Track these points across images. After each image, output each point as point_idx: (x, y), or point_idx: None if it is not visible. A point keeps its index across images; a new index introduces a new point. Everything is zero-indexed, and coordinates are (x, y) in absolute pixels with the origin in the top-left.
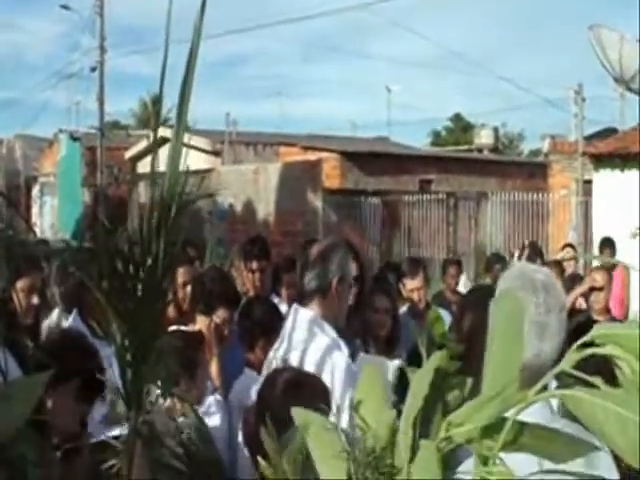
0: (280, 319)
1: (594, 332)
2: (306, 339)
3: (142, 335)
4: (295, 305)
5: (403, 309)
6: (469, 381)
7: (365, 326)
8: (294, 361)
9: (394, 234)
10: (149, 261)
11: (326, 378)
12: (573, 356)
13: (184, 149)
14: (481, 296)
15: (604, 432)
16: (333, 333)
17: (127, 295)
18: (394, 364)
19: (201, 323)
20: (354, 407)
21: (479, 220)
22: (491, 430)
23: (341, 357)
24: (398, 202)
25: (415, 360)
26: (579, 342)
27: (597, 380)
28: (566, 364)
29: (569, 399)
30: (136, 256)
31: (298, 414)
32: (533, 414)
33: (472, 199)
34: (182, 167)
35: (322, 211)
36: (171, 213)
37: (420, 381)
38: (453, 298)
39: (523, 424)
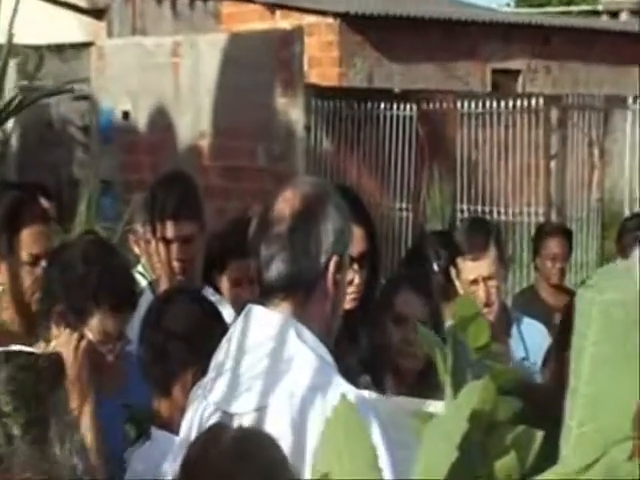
0: (222, 331)
1: None
2: (272, 366)
3: None
4: (250, 305)
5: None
6: (538, 436)
7: (379, 351)
8: (246, 412)
9: (441, 175)
10: None
11: (311, 441)
12: None
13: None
14: None
15: None
16: (325, 351)
17: None
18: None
19: (61, 339)
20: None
21: (608, 149)
22: None
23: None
24: (450, 114)
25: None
26: None
27: None
28: None
29: None
30: None
31: None
32: None
33: (595, 109)
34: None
35: (304, 130)
36: None
37: (440, 437)
38: (555, 300)
39: None
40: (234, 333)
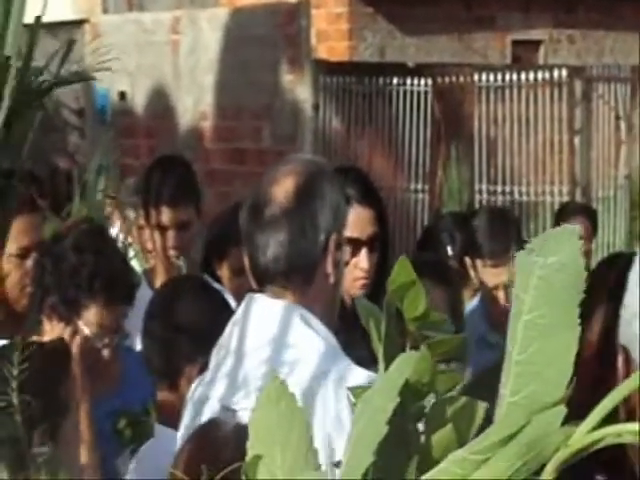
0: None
1: None
2: (278, 356)
3: None
4: (251, 294)
5: (472, 303)
6: (481, 408)
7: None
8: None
9: (459, 154)
10: None
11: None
12: None
13: None
14: (623, 274)
15: None
16: (331, 336)
17: None
18: None
19: (53, 334)
20: (245, 467)
21: (636, 123)
22: None
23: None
24: (467, 88)
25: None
26: None
27: None
28: None
29: None
30: None
31: None
32: None
33: (622, 80)
34: None
35: (312, 109)
36: None
37: (371, 412)
38: None
39: None
40: (235, 324)
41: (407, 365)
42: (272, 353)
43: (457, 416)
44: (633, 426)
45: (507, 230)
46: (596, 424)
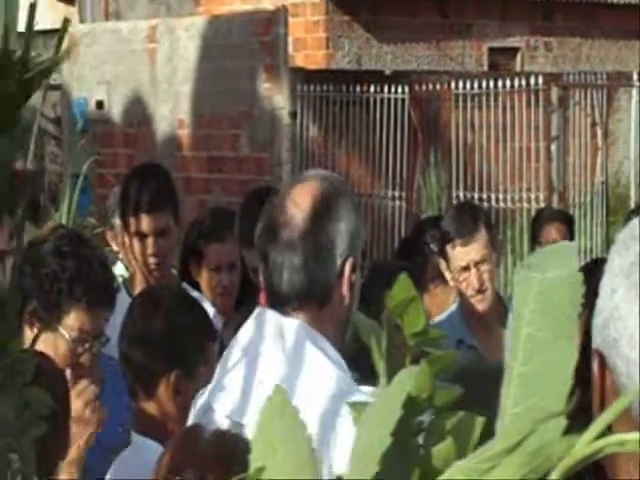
0: (212, 333)
1: None
2: (287, 376)
3: None
4: (262, 309)
5: (450, 309)
6: (479, 423)
7: (366, 348)
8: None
9: (436, 161)
10: None
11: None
12: None
13: None
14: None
15: None
16: (340, 359)
17: None
18: None
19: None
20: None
21: (612, 129)
22: None
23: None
24: (444, 96)
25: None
26: None
27: None
28: None
29: None
30: None
31: None
32: None
33: (598, 87)
34: None
35: (290, 117)
36: None
37: (374, 424)
38: None
39: None
40: (243, 338)
41: (408, 380)
42: (282, 373)
43: (456, 430)
44: (635, 435)
45: (473, 212)
46: (598, 434)
